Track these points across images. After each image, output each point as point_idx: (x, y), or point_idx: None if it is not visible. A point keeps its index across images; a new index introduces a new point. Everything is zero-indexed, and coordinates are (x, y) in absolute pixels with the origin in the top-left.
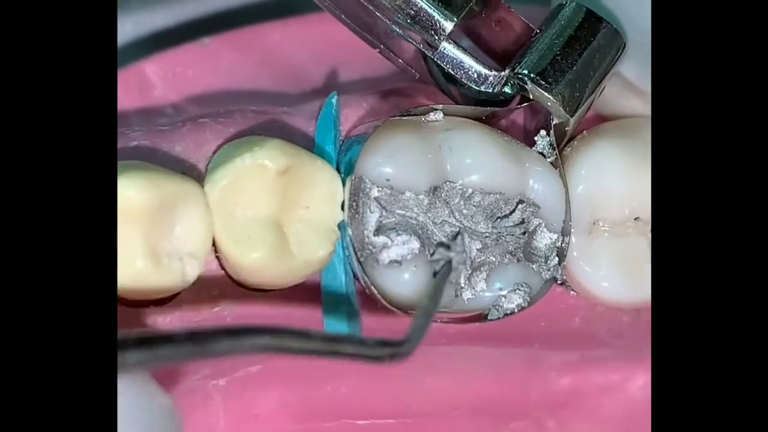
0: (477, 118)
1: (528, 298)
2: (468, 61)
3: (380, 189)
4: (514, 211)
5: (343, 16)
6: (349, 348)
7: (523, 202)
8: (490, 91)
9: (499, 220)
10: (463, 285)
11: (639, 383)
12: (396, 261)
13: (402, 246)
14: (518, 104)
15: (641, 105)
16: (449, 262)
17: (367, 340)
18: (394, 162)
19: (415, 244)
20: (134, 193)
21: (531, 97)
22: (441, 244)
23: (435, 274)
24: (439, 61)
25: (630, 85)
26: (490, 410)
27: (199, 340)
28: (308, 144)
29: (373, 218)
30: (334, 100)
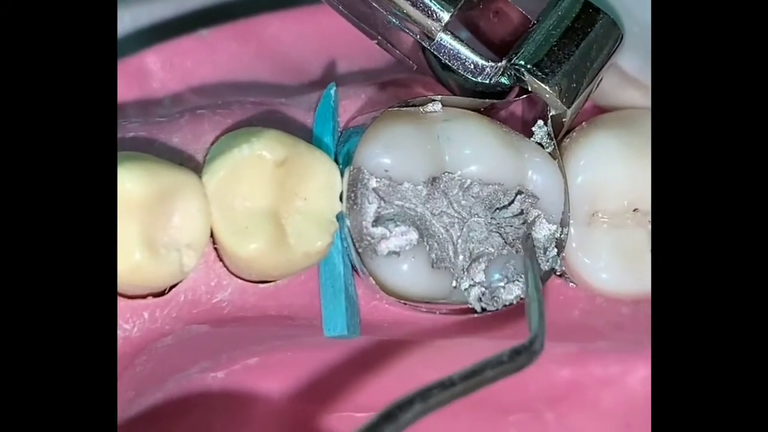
0: (475, 109)
1: None
2: (465, 51)
3: (378, 180)
4: (512, 202)
5: (341, 8)
6: (491, 373)
7: (522, 193)
8: (487, 82)
9: (497, 211)
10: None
11: (639, 376)
12: (394, 252)
13: (400, 237)
14: (516, 96)
15: (639, 97)
16: (529, 236)
17: (501, 357)
18: (393, 153)
19: (414, 235)
20: (132, 184)
21: (529, 89)
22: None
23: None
24: (436, 52)
25: (628, 77)
26: (489, 402)
27: None
28: (306, 135)
29: (371, 209)
30: (332, 92)
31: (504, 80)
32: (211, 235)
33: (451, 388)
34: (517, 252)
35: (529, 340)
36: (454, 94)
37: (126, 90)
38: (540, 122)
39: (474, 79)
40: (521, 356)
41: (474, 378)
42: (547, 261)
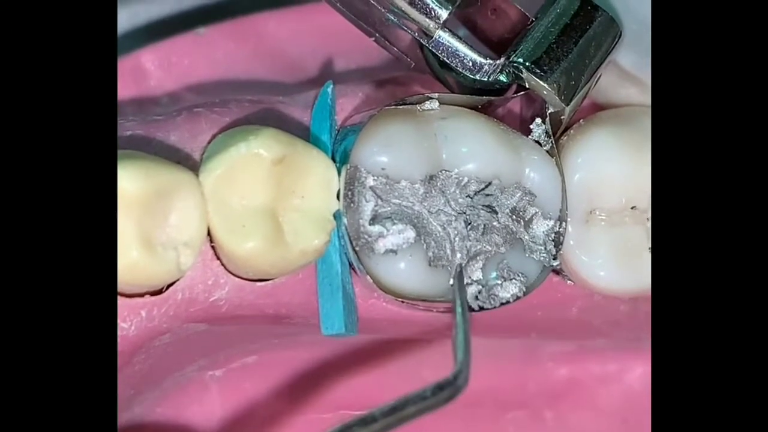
0: (473, 107)
1: (524, 288)
2: (463, 49)
3: (376, 178)
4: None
5: (338, 5)
6: (413, 409)
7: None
8: (486, 79)
9: None
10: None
11: (636, 373)
12: (391, 250)
13: (397, 235)
14: (514, 93)
15: (638, 94)
16: (459, 267)
17: (424, 393)
18: (390, 151)
19: (411, 233)
20: (129, 183)
21: (527, 86)
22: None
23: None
24: (434, 50)
25: (626, 74)
26: (487, 400)
27: None
28: (304, 134)
29: (368, 207)
30: (329, 90)
31: (502, 78)
32: (208, 234)
33: (371, 425)
34: (514, 250)
35: (453, 374)
36: (453, 92)
37: (123, 88)
38: (538, 120)
39: (472, 76)
40: (444, 391)
41: (395, 414)
42: (545, 259)
